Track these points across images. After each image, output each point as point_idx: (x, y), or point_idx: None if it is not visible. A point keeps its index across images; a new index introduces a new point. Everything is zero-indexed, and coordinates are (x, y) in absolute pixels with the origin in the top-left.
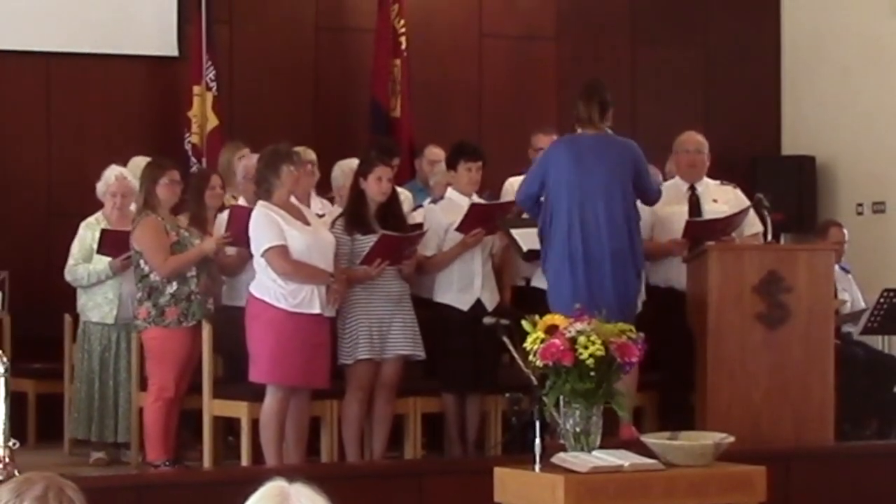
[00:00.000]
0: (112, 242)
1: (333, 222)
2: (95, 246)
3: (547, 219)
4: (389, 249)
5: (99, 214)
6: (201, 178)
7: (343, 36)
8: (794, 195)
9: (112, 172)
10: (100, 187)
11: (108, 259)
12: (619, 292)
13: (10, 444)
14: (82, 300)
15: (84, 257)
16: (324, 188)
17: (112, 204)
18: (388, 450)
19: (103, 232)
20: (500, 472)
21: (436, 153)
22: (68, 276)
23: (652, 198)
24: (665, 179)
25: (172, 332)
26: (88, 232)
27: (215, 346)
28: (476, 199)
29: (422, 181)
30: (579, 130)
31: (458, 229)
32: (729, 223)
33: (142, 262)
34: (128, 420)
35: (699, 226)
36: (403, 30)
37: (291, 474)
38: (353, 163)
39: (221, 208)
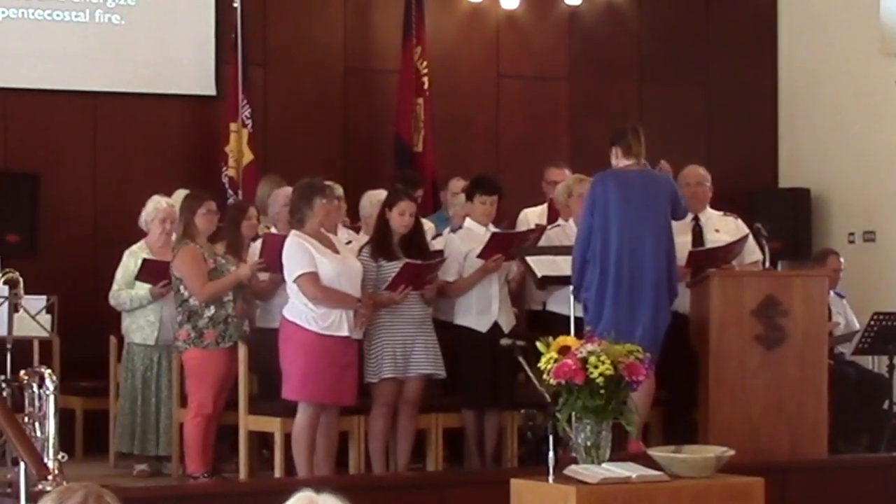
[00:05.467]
0: (152, 271)
1: (360, 249)
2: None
3: (593, 246)
4: (412, 276)
5: (142, 243)
6: (239, 210)
7: (369, 77)
8: (790, 225)
9: (162, 200)
10: (145, 216)
11: (149, 286)
12: (655, 320)
13: (60, 457)
14: (126, 323)
15: (127, 283)
16: (351, 218)
17: (161, 229)
18: (412, 462)
19: (144, 261)
20: (516, 484)
21: (459, 185)
22: (112, 301)
23: (681, 217)
24: None
25: (211, 353)
26: (131, 259)
27: (250, 365)
28: (493, 228)
29: (447, 212)
30: (621, 164)
31: (479, 256)
32: (730, 251)
33: (182, 287)
34: (169, 435)
35: (702, 255)
36: (426, 70)
37: (321, 485)
38: (381, 194)
39: (255, 237)
